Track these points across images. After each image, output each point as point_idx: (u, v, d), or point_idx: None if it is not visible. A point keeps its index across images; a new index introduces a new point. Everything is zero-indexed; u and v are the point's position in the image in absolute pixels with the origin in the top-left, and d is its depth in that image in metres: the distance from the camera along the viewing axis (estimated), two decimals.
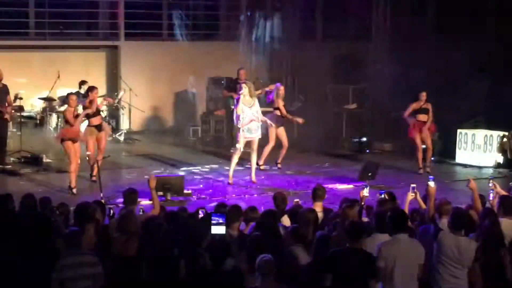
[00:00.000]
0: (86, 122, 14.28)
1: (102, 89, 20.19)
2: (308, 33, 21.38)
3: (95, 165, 13.40)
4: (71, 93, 14.49)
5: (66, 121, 13.65)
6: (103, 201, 11.20)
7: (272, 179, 15.02)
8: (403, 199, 8.79)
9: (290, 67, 20.51)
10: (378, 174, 14.61)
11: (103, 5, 21.28)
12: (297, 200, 10.22)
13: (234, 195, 13.49)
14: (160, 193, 12.06)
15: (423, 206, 8.65)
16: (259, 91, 15.55)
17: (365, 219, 8.56)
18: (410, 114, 15.70)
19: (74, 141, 13.49)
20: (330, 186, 13.78)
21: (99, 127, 14.24)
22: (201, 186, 14.26)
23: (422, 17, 22.15)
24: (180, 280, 7.39)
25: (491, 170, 16.10)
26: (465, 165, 16.65)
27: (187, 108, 20.85)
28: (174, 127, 21.04)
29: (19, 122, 17.16)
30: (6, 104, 15.26)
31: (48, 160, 15.83)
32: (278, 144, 15.71)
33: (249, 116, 14.14)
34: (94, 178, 13.94)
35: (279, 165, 15.74)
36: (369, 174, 14.37)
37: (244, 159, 14.87)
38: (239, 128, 14.21)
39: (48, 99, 18.57)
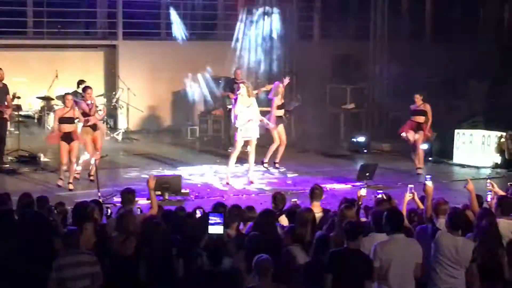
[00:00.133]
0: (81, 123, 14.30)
1: (100, 89, 20.23)
2: (306, 32, 21.37)
3: (93, 165, 13.44)
4: (68, 93, 14.49)
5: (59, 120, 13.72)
6: (101, 200, 11.20)
7: (270, 178, 15.02)
8: (400, 199, 8.79)
9: (289, 67, 20.50)
10: (375, 174, 14.61)
11: (101, 4, 21.26)
12: (295, 199, 10.21)
13: (232, 195, 13.49)
14: (158, 192, 12.05)
15: (421, 206, 8.66)
16: (256, 91, 15.55)
17: (363, 219, 8.56)
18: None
19: (67, 141, 13.57)
20: (328, 186, 13.78)
21: (94, 127, 14.26)
22: (199, 185, 14.27)
23: (420, 17, 22.19)
24: (178, 280, 7.39)
25: (489, 171, 16.10)
26: (463, 165, 16.65)
27: (185, 108, 20.84)
28: (172, 127, 21.05)
29: (17, 121, 17.15)
30: (6, 104, 15.26)
31: (45, 159, 15.83)
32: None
33: (247, 116, 14.15)
34: (92, 178, 13.95)
35: (277, 164, 15.74)
36: (367, 174, 14.38)
37: (242, 159, 14.86)
38: (237, 128, 14.23)
39: (46, 98, 18.56)
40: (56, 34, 20.49)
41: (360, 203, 8.82)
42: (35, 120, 19.00)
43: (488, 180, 9.45)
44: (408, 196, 8.68)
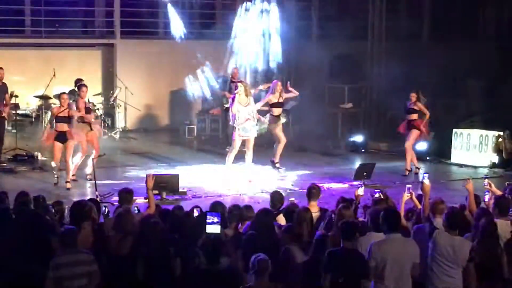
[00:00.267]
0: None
1: (98, 87, 20.22)
2: (304, 32, 21.36)
3: (91, 164, 13.44)
4: (64, 92, 14.46)
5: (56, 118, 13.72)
6: (98, 199, 11.19)
7: (268, 178, 15.01)
8: (398, 198, 8.78)
9: (287, 66, 20.49)
10: (373, 173, 14.61)
11: (99, 3, 21.26)
12: (293, 199, 10.21)
13: (229, 194, 13.48)
14: (156, 191, 12.04)
15: (419, 206, 8.65)
16: (253, 90, 15.54)
17: (361, 218, 8.56)
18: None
19: (61, 140, 13.56)
20: (326, 185, 13.77)
21: (89, 124, 14.26)
22: (197, 184, 14.25)
23: (418, 16, 22.20)
24: (175, 279, 7.39)
25: (486, 170, 16.09)
26: (460, 165, 16.65)
27: (183, 107, 20.83)
28: (169, 126, 21.03)
29: (14, 120, 17.13)
30: (4, 103, 15.25)
31: (43, 158, 15.80)
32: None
33: (244, 115, 14.16)
34: (89, 177, 13.95)
35: (276, 164, 15.71)
36: (365, 173, 14.37)
37: (240, 158, 14.85)
38: (235, 127, 14.23)
39: (44, 97, 18.53)
40: (54, 32, 20.47)
41: (358, 202, 8.82)
42: (33, 119, 18.97)
43: (486, 180, 9.43)
44: (406, 196, 8.69)
